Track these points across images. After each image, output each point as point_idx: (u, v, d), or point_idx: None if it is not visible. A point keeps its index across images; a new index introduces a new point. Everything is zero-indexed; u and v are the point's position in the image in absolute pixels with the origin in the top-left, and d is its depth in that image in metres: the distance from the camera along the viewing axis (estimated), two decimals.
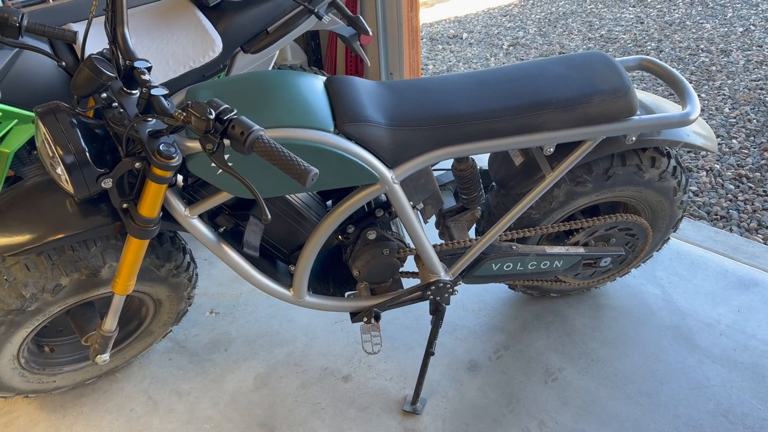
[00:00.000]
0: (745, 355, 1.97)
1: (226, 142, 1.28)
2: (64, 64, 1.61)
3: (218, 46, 2.01)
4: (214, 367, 2.01)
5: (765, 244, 2.60)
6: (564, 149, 1.61)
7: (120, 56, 1.35)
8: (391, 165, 1.49)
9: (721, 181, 3.08)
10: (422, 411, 1.83)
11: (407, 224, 1.60)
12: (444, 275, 1.73)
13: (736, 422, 1.76)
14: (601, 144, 1.64)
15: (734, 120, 3.65)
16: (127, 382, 1.97)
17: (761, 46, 4.68)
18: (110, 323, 1.60)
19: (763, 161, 3.20)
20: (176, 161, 1.28)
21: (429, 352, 1.79)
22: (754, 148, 3.34)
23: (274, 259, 1.77)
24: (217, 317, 2.21)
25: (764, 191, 2.96)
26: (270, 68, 2.33)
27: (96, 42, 1.94)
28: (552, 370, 1.95)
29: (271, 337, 2.12)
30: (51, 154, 1.33)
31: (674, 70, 1.70)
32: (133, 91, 1.34)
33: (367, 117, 1.44)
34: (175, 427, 1.82)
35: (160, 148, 1.26)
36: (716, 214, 2.83)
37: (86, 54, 1.85)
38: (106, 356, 1.66)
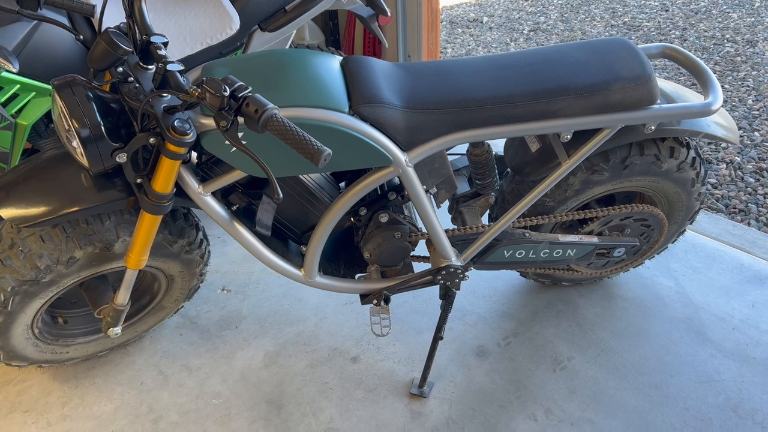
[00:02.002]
0: (757, 351, 1.94)
1: (240, 120, 1.27)
2: (81, 37, 1.60)
3: (236, 24, 2.00)
4: (225, 343, 2.03)
5: None
6: (581, 137, 1.59)
7: (137, 31, 1.34)
8: (405, 148, 1.48)
9: (741, 174, 3.03)
10: (429, 394, 1.84)
11: (420, 208, 1.59)
12: (455, 260, 1.72)
13: (745, 417, 1.75)
14: (619, 132, 1.62)
15: (757, 112, 3.58)
16: (139, 355, 1.99)
17: None
18: (123, 297, 1.62)
19: None
20: (190, 138, 1.28)
21: (437, 337, 1.79)
22: None
23: (285, 239, 1.77)
24: (229, 295, 2.23)
25: None
26: (287, 47, 2.31)
27: (114, 16, 1.94)
28: (561, 358, 1.95)
29: (282, 316, 2.13)
30: (67, 127, 1.34)
31: (697, 58, 1.66)
32: (149, 66, 1.34)
33: (383, 98, 1.43)
34: (185, 401, 1.84)
35: (175, 124, 1.26)
36: (734, 208, 2.79)
37: (103, 28, 1.85)
38: (118, 329, 1.68)
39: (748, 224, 2.68)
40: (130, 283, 1.60)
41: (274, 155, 1.36)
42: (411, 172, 1.50)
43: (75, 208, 1.45)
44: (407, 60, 3.43)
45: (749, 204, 2.80)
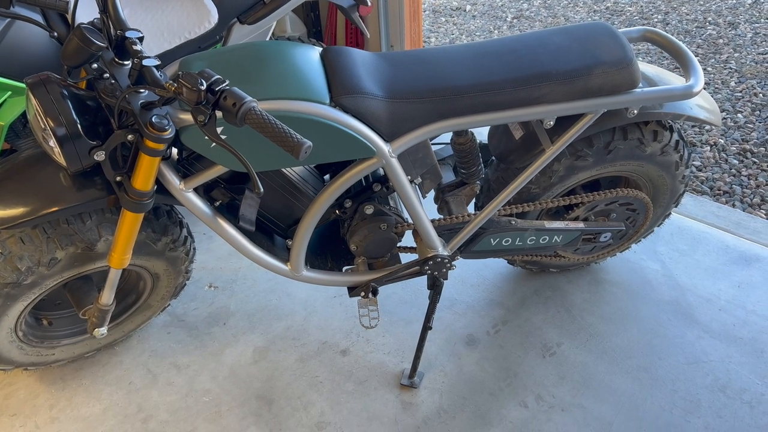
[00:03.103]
0: (744, 331, 1.96)
1: (219, 114, 1.26)
2: (56, 34, 1.58)
3: (214, 17, 1.97)
4: (213, 340, 2.02)
5: (767, 219, 2.58)
6: (564, 122, 1.59)
7: (111, 26, 1.32)
8: (388, 138, 1.47)
9: (725, 155, 3.04)
10: (420, 385, 1.84)
11: (404, 199, 1.58)
12: (442, 250, 1.72)
13: (733, 397, 1.77)
14: (602, 117, 1.61)
15: (740, 94, 3.60)
16: (126, 355, 1.98)
17: None
18: (107, 297, 1.60)
19: None
20: (169, 134, 1.26)
21: (426, 327, 1.79)
22: (760, 122, 3.29)
23: (271, 234, 1.76)
24: (216, 291, 2.21)
25: None
26: (267, 39, 2.29)
27: (88, 12, 1.90)
28: (550, 344, 1.95)
29: (270, 311, 2.12)
30: (42, 126, 1.31)
31: (678, 41, 1.66)
32: (125, 62, 1.32)
33: (364, 89, 1.42)
34: (174, 400, 1.83)
35: (152, 120, 1.24)
36: (719, 189, 2.80)
37: (76, 24, 1.82)
38: (103, 330, 1.66)
39: (733, 206, 2.70)
40: (114, 283, 1.58)
41: (255, 149, 1.35)
42: (395, 162, 1.49)
43: (54, 208, 1.43)
44: (390, 50, 3.41)
45: (733, 186, 2.82)
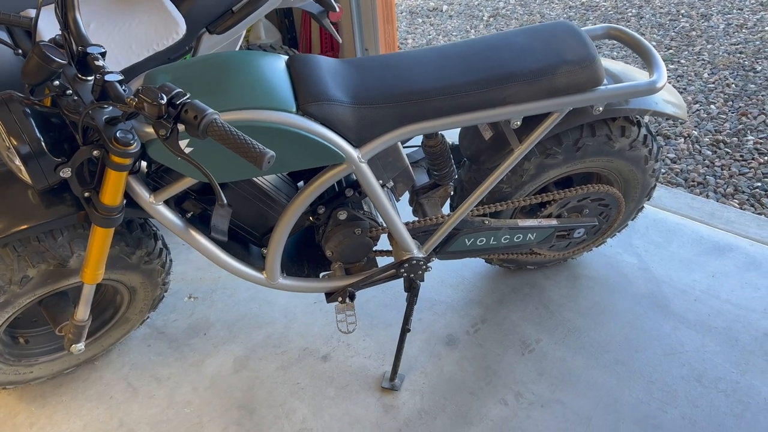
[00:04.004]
0: (718, 320, 1.99)
1: (181, 127, 1.26)
2: (20, 51, 1.57)
3: (182, 28, 1.97)
4: (193, 351, 2.02)
5: (740, 209, 2.62)
6: (531, 122, 1.60)
7: (72, 42, 1.32)
8: (356, 144, 1.48)
9: (698, 147, 3.08)
10: (401, 387, 1.85)
11: (376, 203, 1.59)
12: (417, 252, 1.73)
13: (709, 386, 1.79)
14: (568, 115, 1.63)
15: (713, 85, 3.65)
16: (106, 369, 1.97)
17: (741, 9, 4.66)
18: (82, 312, 1.59)
19: (740, 126, 3.21)
20: (134, 148, 1.26)
21: (405, 329, 1.80)
22: (732, 112, 3.34)
23: (246, 243, 1.76)
24: (196, 302, 2.21)
25: (741, 156, 2.97)
26: (237, 48, 2.29)
27: (53, 28, 1.89)
28: (528, 341, 1.97)
29: (250, 320, 2.12)
30: (7, 146, 1.31)
31: (641, 37, 1.68)
32: (88, 78, 1.32)
33: (330, 96, 1.42)
34: (155, 413, 1.83)
35: (117, 135, 1.24)
36: (693, 181, 2.84)
37: (38, 41, 1.81)
38: (81, 346, 1.65)
39: (707, 196, 2.73)
40: (89, 298, 1.57)
41: (220, 160, 1.35)
42: (365, 167, 1.50)
43: (23, 226, 1.42)
44: (365, 54, 3.42)
45: (707, 176, 2.85)
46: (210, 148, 1.33)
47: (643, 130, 1.82)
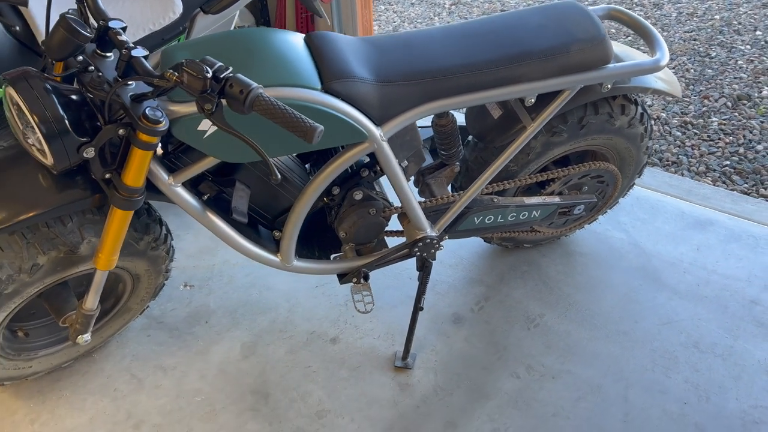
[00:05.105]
0: (707, 289, 2.09)
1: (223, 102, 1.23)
2: (17, 28, 1.49)
3: (178, 7, 1.91)
4: (197, 340, 1.97)
5: (714, 185, 2.75)
6: (542, 99, 1.64)
7: (90, 16, 1.26)
8: (378, 122, 1.47)
9: (668, 128, 3.21)
10: (414, 365, 1.86)
11: (395, 182, 1.59)
12: (430, 231, 1.74)
13: (706, 351, 1.88)
14: (577, 93, 1.67)
15: (673, 70, 3.80)
16: (107, 362, 1.90)
17: None
18: (92, 301, 1.53)
19: (704, 108, 3.36)
20: (163, 126, 1.22)
21: (417, 308, 1.81)
22: (695, 96, 3.49)
23: (256, 226, 1.73)
24: (193, 290, 2.15)
25: (708, 136, 3.12)
26: (231, 28, 2.23)
27: (41, 3, 1.80)
28: (533, 316, 2.02)
29: (252, 306, 2.09)
30: (24, 124, 1.24)
31: (642, 18, 1.74)
32: (108, 54, 1.27)
33: (354, 73, 1.41)
34: (165, 402, 1.78)
35: (146, 112, 1.19)
36: (668, 160, 2.96)
37: (34, 16, 1.72)
38: (87, 336, 1.60)
39: (682, 175, 2.85)
40: (100, 286, 1.52)
41: (257, 137, 1.32)
42: (386, 146, 1.50)
43: (34, 212, 1.36)
44: None
45: (680, 156, 2.98)
46: (241, 125, 1.30)
47: (640, 109, 1.88)
